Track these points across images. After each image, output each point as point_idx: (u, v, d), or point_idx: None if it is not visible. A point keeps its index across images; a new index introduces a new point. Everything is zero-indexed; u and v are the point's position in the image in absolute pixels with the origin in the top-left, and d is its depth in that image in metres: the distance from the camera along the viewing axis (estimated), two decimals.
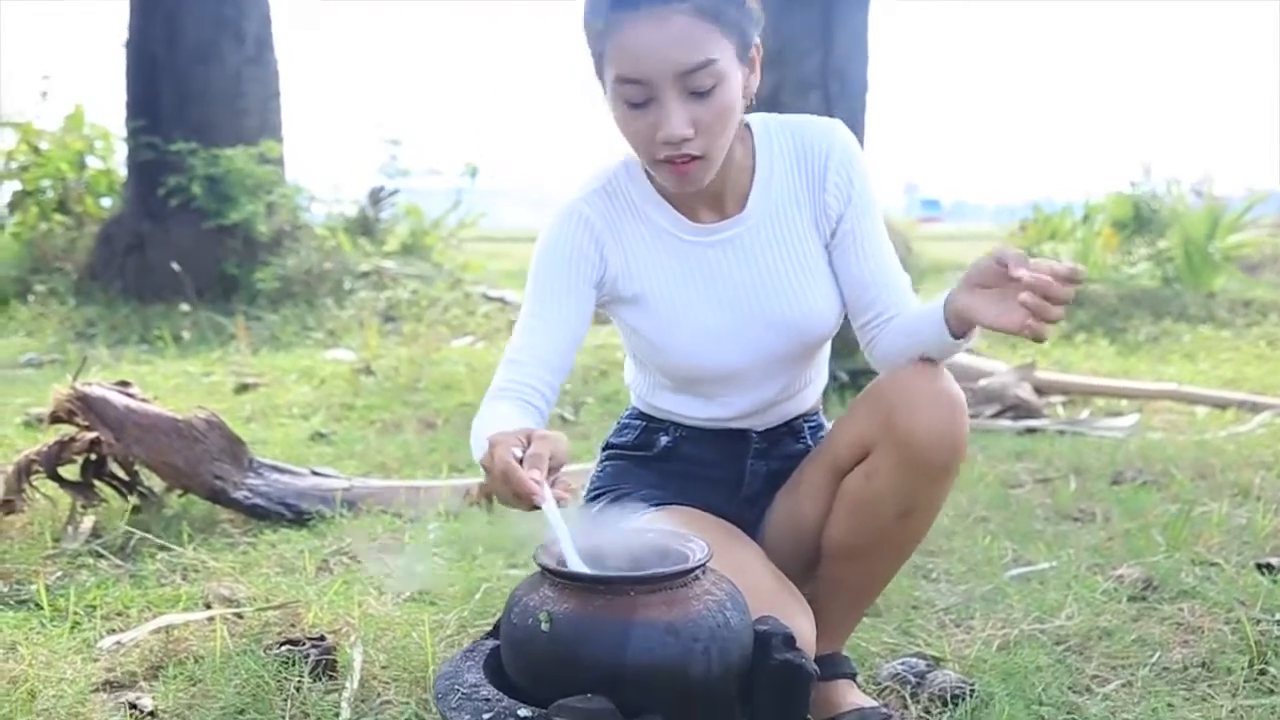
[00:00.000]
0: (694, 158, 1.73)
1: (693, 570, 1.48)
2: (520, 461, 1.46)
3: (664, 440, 2.05)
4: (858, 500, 1.87)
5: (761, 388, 1.97)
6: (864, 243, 1.91)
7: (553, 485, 1.47)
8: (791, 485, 2.02)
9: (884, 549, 1.91)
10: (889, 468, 1.81)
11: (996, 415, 5.04)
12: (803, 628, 1.71)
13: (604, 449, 2.13)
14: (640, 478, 2.03)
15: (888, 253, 1.94)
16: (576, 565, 1.47)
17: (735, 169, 1.88)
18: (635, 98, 1.70)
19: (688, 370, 1.94)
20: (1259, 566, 2.77)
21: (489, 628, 1.69)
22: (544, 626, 1.43)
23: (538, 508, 1.46)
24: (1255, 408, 5.16)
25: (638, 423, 2.10)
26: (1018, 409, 5.09)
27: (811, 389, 2.07)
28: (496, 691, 1.46)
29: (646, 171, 1.88)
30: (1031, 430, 4.76)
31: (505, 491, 1.46)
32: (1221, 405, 5.30)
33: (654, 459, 2.05)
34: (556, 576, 1.47)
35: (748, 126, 1.92)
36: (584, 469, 2.55)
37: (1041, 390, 5.45)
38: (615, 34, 1.69)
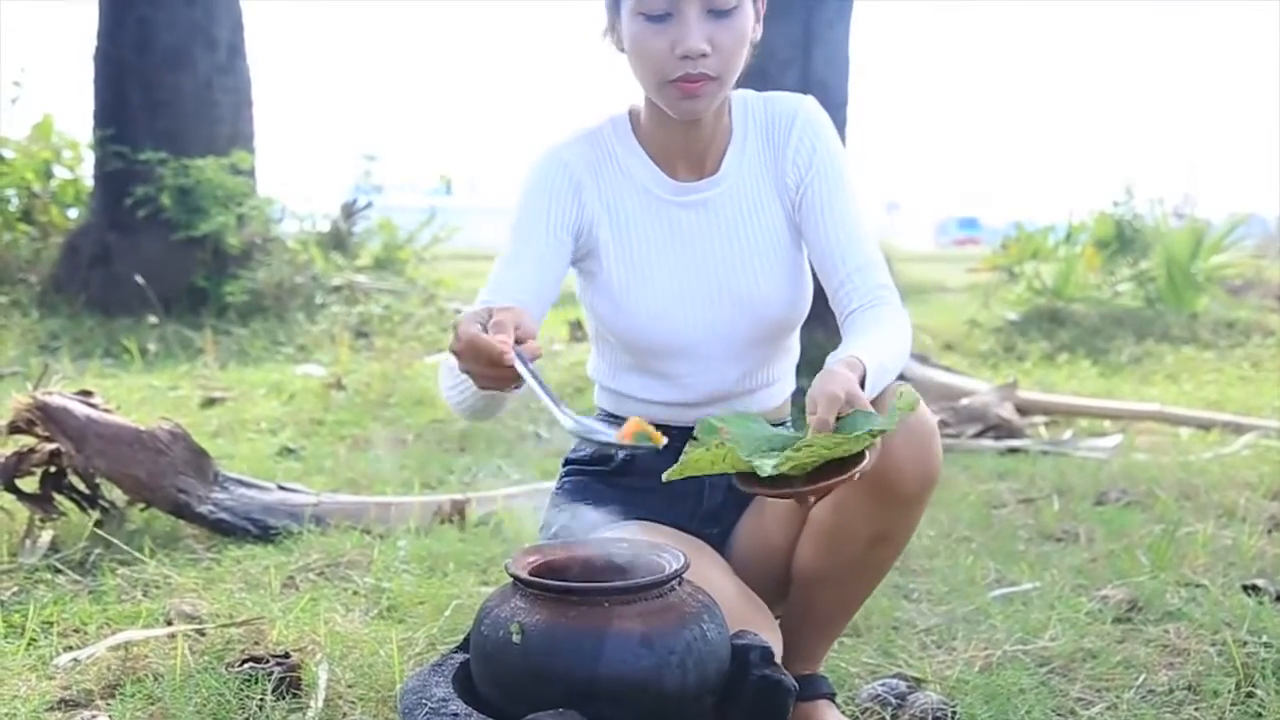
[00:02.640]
0: (706, 77, 1.76)
1: (668, 580, 1.44)
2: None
3: (621, 454, 2.03)
4: (827, 529, 1.84)
5: (721, 369, 1.94)
6: (827, 213, 1.89)
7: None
8: (756, 509, 1.99)
9: (855, 574, 1.88)
10: (859, 499, 1.76)
11: (978, 435, 5.02)
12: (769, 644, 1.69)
13: (564, 464, 2.11)
14: (600, 493, 1.99)
15: (855, 226, 1.90)
16: (563, 419, 1.43)
17: (717, 128, 1.90)
18: (656, 9, 1.73)
19: (646, 338, 1.92)
20: (1245, 588, 2.75)
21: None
22: (515, 638, 1.40)
23: (515, 374, 1.43)
24: (1239, 429, 5.15)
25: None
26: (1000, 429, 5.07)
27: (775, 390, 2.03)
28: (466, 706, 1.43)
29: (632, 129, 1.92)
30: (1014, 450, 4.74)
31: (479, 363, 1.45)
32: (1205, 426, 5.28)
33: (612, 473, 2.03)
34: (529, 587, 1.44)
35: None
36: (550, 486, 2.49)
37: (1024, 410, 5.44)
38: None
